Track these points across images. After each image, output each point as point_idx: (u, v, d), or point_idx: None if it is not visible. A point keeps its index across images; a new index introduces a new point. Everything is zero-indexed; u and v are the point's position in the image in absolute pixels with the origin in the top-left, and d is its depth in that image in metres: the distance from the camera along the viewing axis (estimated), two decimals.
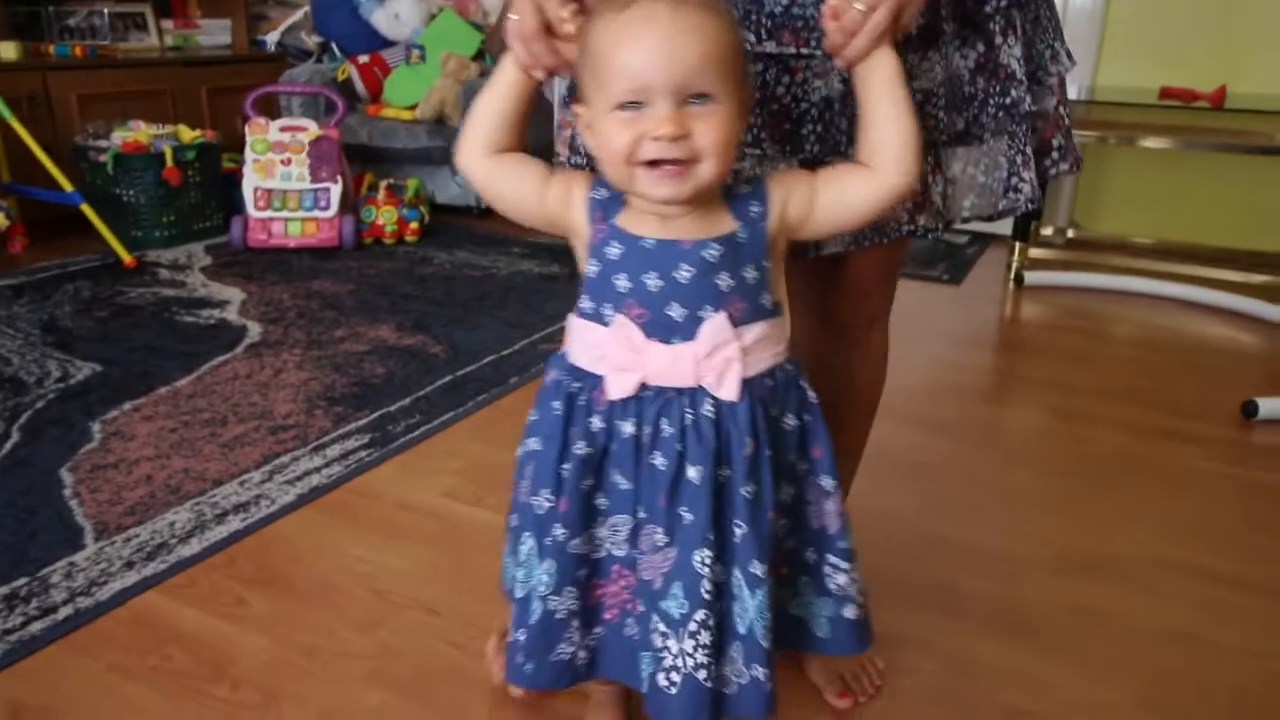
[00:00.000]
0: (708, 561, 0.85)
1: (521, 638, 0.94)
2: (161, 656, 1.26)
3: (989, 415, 2.05)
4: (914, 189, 0.86)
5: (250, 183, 3.03)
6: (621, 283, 0.84)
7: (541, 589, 0.92)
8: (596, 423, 0.89)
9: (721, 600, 0.88)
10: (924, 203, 0.98)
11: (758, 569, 0.86)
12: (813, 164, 0.94)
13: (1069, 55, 1.06)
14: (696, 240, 0.83)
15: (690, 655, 0.86)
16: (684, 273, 0.82)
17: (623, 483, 0.89)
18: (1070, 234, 3.25)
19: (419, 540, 1.53)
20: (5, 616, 1.31)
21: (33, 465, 1.72)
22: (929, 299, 2.81)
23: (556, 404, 0.91)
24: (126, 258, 2.84)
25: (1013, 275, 2.91)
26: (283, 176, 3.03)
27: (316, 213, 3.07)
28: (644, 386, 0.86)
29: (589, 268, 0.87)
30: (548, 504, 0.91)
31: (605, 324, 0.86)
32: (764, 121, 0.95)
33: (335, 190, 3.06)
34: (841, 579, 0.96)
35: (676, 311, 0.83)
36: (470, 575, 1.42)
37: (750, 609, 0.88)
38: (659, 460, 0.86)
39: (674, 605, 0.86)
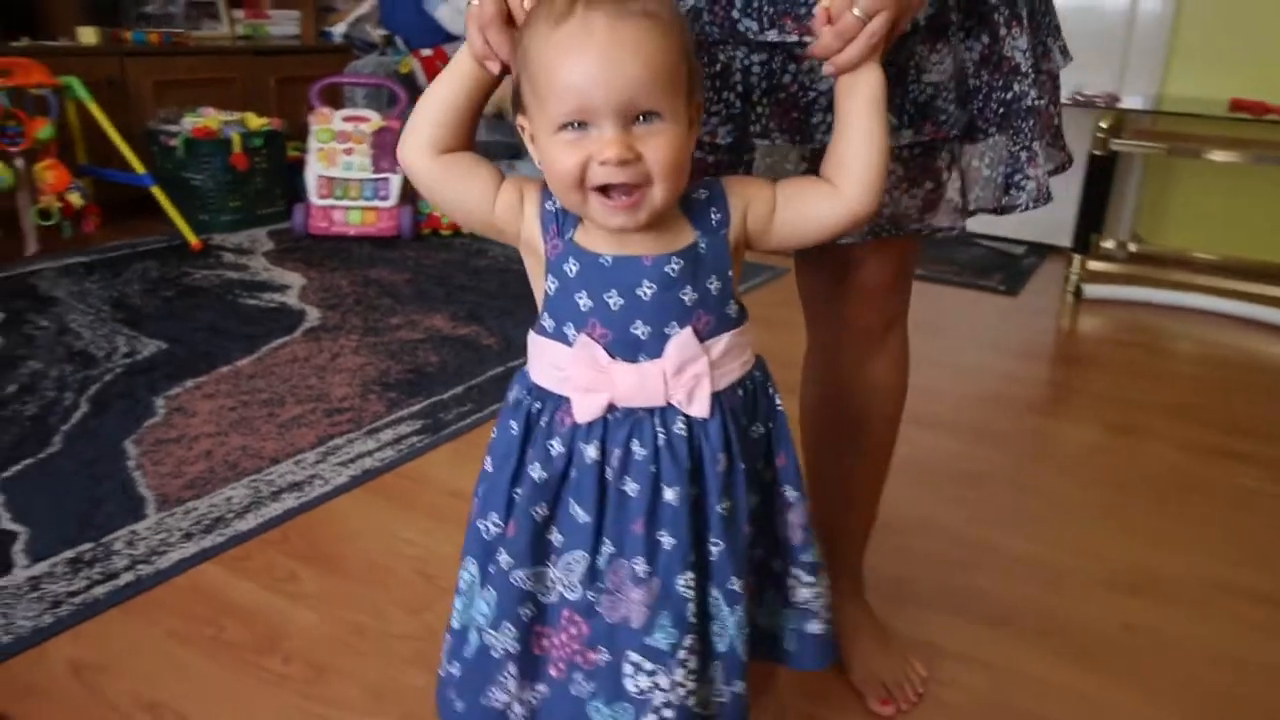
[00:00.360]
0: (691, 584, 0.79)
1: (455, 672, 0.87)
2: (216, 626, 1.29)
3: (1042, 427, 2.03)
4: (873, 214, 0.80)
5: (313, 171, 3.08)
6: (583, 301, 0.78)
7: (480, 620, 0.85)
8: (556, 446, 0.81)
9: (702, 623, 0.82)
10: (938, 200, 0.96)
11: (735, 585, 0.82)
12: (822, 154, 0.88)
13: (1064, 51, 1.04)
14: (657, 255, 0.77)
15: (681, 685, 0.81)
16: (646, 289, 0.77)
17: (581, 515, 0.81)
18: (1132, 247, 3.19)
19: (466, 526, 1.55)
20: (70, 579, 1.35)
21: (99, 436, 1.76)
22: (984, 309, 2.78)
23: (514, 424, 0.84)
24: (193, 240, 2.90)
25: (1071, 288, 2.86)
26: (345, 166, 3.08)
27: (376, 202, 3.11)
28: (611, 408, 0.80)
29: (547, 284, 0.81)
30: (495, 529, 0.84)
31: (568, 343, 0.80)
32: (772, 111, 0.91)
33: (395, 181, 3.10)
34: (806, 593, 0.91)
35: (641, 329, 0.78)
36: None
37: (730, 626, 0.83)
38: (630, 486, 0.80)
39: (662, 637, 0.80)
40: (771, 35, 0.86)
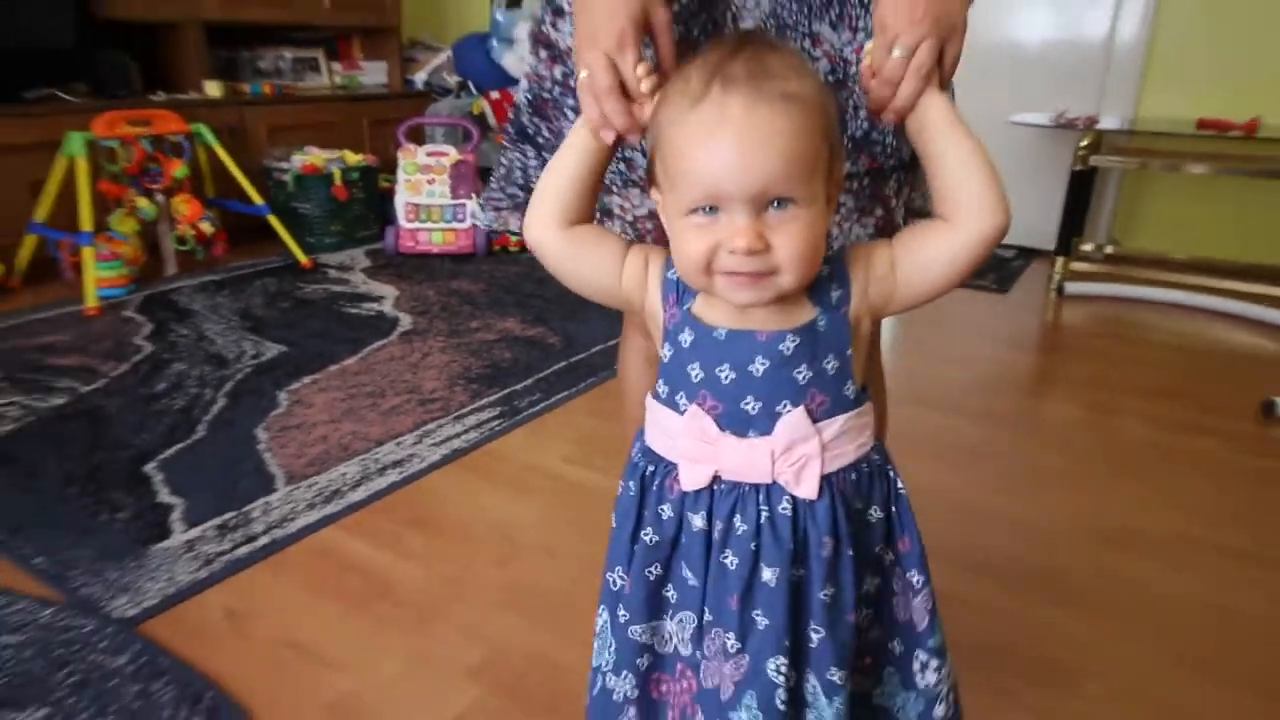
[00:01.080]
0: (783, 669, 0.68)
1: (589, 704, 0.80)
2: (338, 578, 1.32)
3: (1031, 407, 2.02)
4: (1006, 228, 0.65)
5: (401, 198, 3.12)
6: (694, 372, 0.68)
7: (605, 665, 0.78)
8: (667, 511, 0.72)
9: (796, 709, 0.71)
10: (891, 228, 0.88)
11: (836, 675, 0.70)
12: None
13: None
14: (772, 332, 0.66)
15: None
16: (759, 366, 0.66)
17: (691, 579, 0.72)
18: (1109, 250, 3.14)
19: (541, 495, 1.58)
20: (219, 541, 1.39)
21: (235, 424, 1.79)
22: (979, 305, 2.75)
23: (631, 485, 0.76)
24: (303, 259, 2.95)
25: (1054, 286, 2.83)
26: (428, 194, 3.11)
27: (455, 224, 3.14)
28: (717, 479, 0.70)
29: (664, 351, 0.72)
30: (620, 581, 0.76)
31: (680, 412, 0.70)
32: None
33: (470, 205, 3.13)
34: (931, 676, 0.77)
35: (752, 405, 0.68)
36: (583, 525, 1.45)
37: (827, 717, 0.71)
38: (730, 559, 0.69)
39: (746, 716, 0.70)
40: (848, 168, 0.79)
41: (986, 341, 2.40)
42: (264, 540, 1.40)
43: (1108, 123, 2.91)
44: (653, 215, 0.88)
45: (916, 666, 0.76)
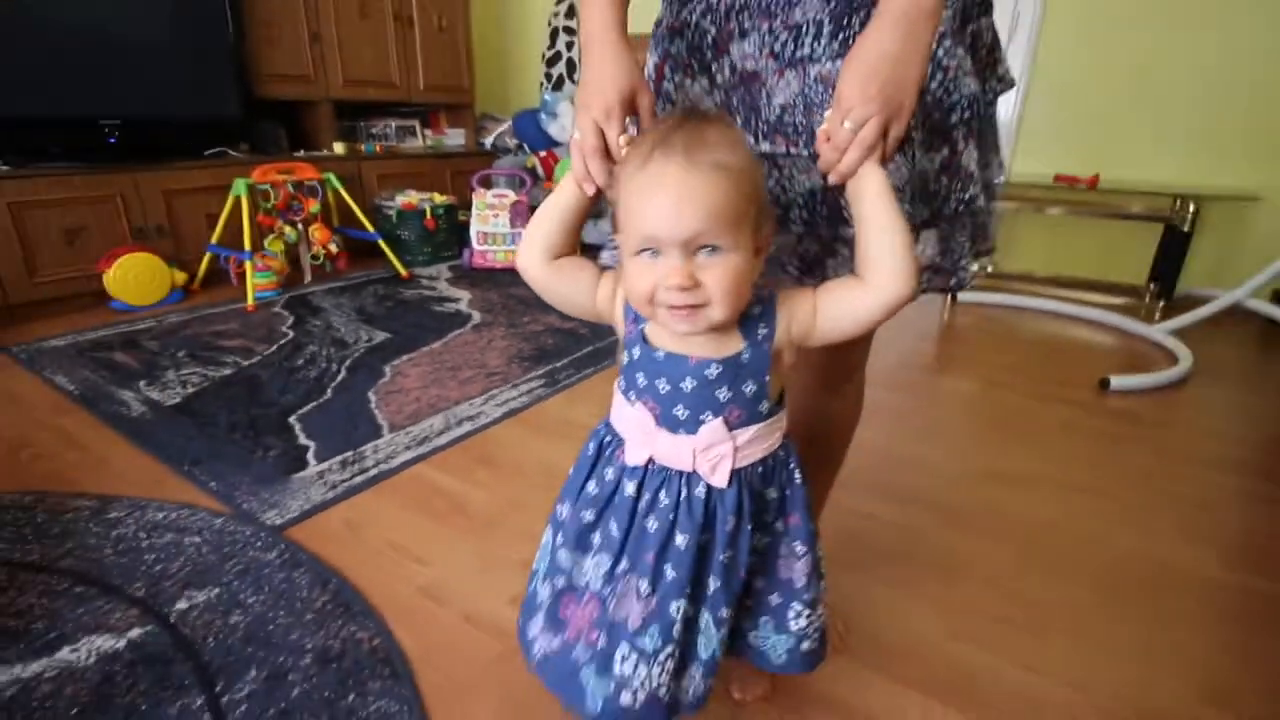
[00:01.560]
0: (682, 609, 0.67)
1: (527, 594, 0.79)
2: (427, 500, 1.32)
3: (934, 381, 2.00)
4: (912, 298, 0.60)
5: (474, 228, 3.10)
6: (640, 379, 0.66)
7: (539, 572, 0.77)
8: (610, 474, 0.70)
9: (690, 634, 0.69)
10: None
11: (724, 613, 0.69)
12: (797, 240, 0.73)
13: (1000, 165, 0.82)
14: (700, 359, 0.63)
15: (656, 679, 0.68)
16: (688, 384, 0.63)
17: (615, 530, 0.69)
18: (989, 270, 3.12)
19: (574, 441, 1.53)
20: (340, 472, 1.39)
21: (352, 390, 1.78)
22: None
23: (591, 445, 0.73)
24: (403, 272, 2.94)
25: (947, 295, 2.81)
26: (494, 224, 3.09)
27: (513, 246, 3.10)
28: (652, 461, 0.67)
29: (622, 356, 0.68)
30: (563, 514, 0.74)
31: (630, 404, 0.68)
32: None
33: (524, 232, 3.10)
34: (802, 621, 0.74)
35: (681, 412, 0.65)
36: None
37: (714, 641, 0.69)
38: (652, 523, 0.67)
39: (649, 641, 0.67)
40: (765, 147, 0.71)
41: (906, 333, 2.38)
42: (373, 472, 1.40)
43: None
44: None
45: (791, 615, 0.74)
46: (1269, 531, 1.28)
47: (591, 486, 0.71)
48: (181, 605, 1.02)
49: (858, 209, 0.60)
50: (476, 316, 2.44)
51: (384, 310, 2.48)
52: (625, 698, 0.67)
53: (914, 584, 1.12)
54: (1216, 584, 1.14)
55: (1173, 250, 2.52)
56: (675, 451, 0.66)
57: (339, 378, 1.86)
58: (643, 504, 0.67)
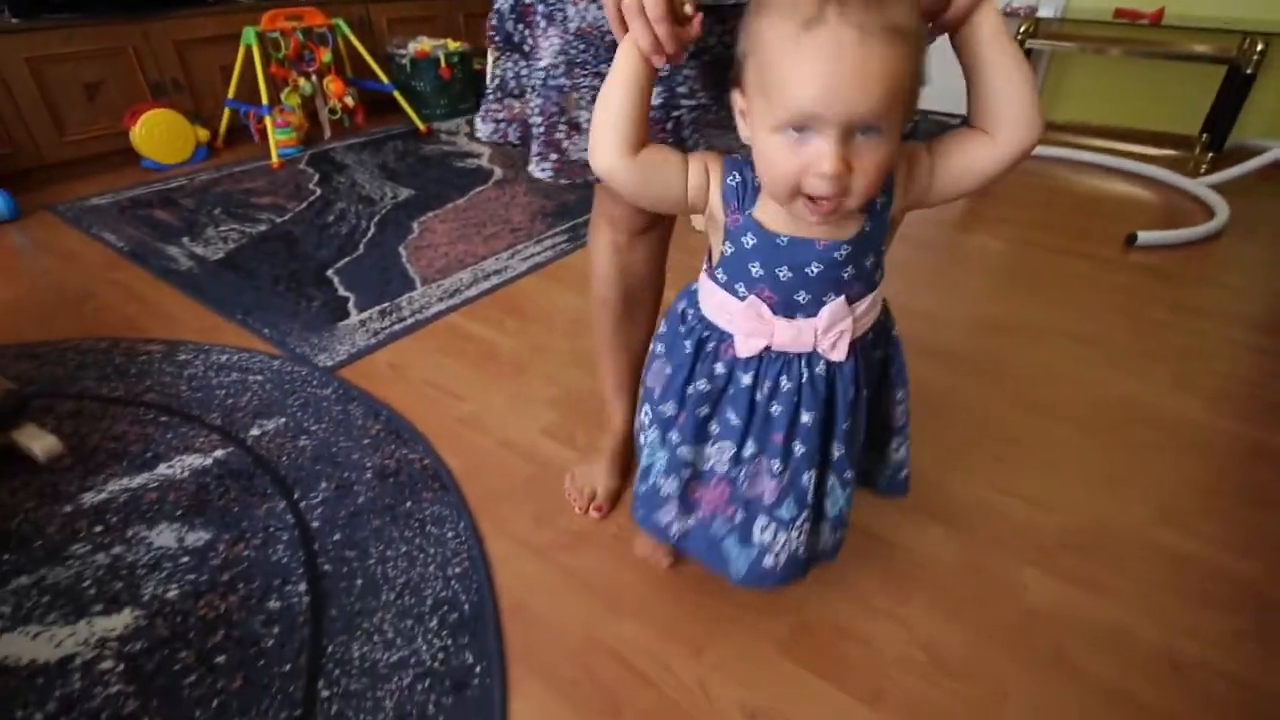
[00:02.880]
0: (813, 480, 0.69)
1: (640, 491, 0.77)
2: (461, 346, 1.41)
3: (960, 238, 1.98)
4: (1036, 143, 0.53)
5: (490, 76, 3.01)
6: (755, 269, 0.61)
7: (657, 467, 0.74)
8: (719, 369, 0.67)
9: (818, 495, 0.72)
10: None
11: (849, 474, 0.71)
12: None
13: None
14: (828, 241, 0.58)
15: (795, 541, 0.71)
16: (814, 268, 0.59)
17: (734, 419, 0.68)
18: None
19: None
20: (380, 321, 1.48)
21: (383, 245, 1.84)
22: None
23: (687, 344, 0.69)
24: (422, 127, 2.89)
25: None
26: None
27: None
28: (767, 349, 0.65)
29: (725, 247, 0.62)
30: (670, 413, 0.71)
31: (739, 298, 0.63)
32: (698, 73, 0.65)
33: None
34: (901, 452, 0.79)
35: (803, 296, 0.61)
36: None
37: (840, 500, 0.72)
38: (775, 409, 0.66)
39: (785, 512, 0.70)
40: None
41: None
42: (410, 321, 1.49)
43: (1044, 12, 2.67)
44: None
45: (893, 447, 0.78)
46: (1256, 381, 1.34)
47: (701, 384, 0.68)
48: (255, 431, 1.18)
49: (971, 55, 0.52)
50: (498, 172, 2.43)
51: (406, 167, 2.48)
52: (768, 561, 0.72)
53: (913, 423, 1.22)
54: (1194, 425, 1.22)
55: (1231, 96, 2.37)
56: (796, 337, 0.63)
57: (369, 234, 1.91)
58: (762, 393, 0.66)
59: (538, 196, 2.21)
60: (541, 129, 0.74)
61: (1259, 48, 2.27)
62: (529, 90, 0.74)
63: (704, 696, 0.79)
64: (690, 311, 0.70)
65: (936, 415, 1.24)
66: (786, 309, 0.62)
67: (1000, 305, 1.60)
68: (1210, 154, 2.46)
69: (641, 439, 0.78)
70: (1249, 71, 2.30)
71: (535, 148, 0.75)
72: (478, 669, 0.81)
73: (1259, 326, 1.53)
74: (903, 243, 1.89)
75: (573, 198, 2.19)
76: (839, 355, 0.64)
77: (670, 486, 0.74)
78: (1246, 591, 0.92)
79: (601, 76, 0.67)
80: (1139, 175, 2.41)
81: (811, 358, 0.65)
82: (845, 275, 0.61)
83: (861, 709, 0.78)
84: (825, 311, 0.62)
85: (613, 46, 0.62)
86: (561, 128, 0.72)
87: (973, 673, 0.82)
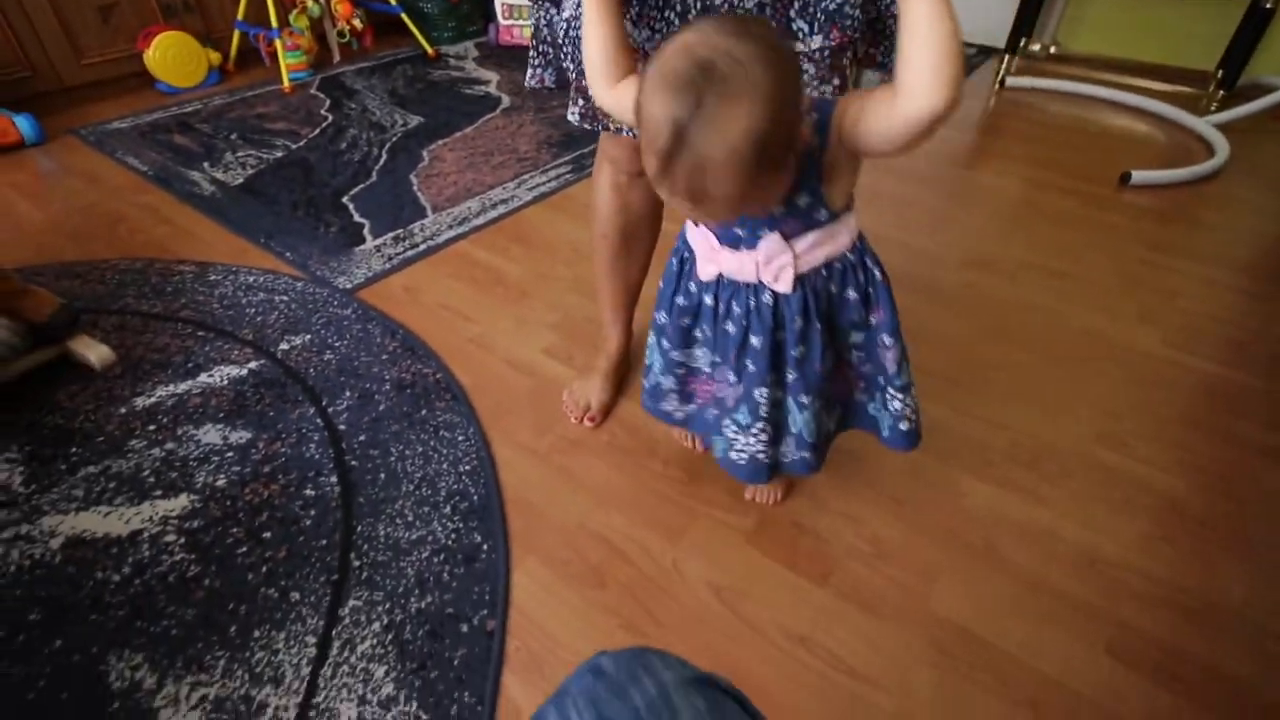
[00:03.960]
0: (764, 395, 0.75)
1: (646, 384, 0.90)
2: (470, 272, 1.49)
3: (960, 175, 2.00)
4: (945, 113, 0.49)
5: (499, 1, 2.97)
6: None
7: (656, 367, 0.86)
8: (693, 286, 0.76)
9: (779, 412, 0.78)
10: (845, 91, 0.73)
11: (805, 399, 0.75)
12: None
13: None
14: None
15: (752, 444, 0.79)
16: None
17: (707, 331, 0.78)
18: (1052, 50, 2.92)
19: None
20: (394, 246, 1.57)
21: (395, 173, 1.89)
22: None
23: (674, 261, 0.78)
24: (430, 50, 2.88)
25: (998, 79, 2.68)
26: None
27: None
28: (721, 275, 0.72)
29: None
30: (662, 321, 0.82)
31: (695, 225, 0.72)
32: (750, 15, 0.67)
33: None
34: (897, 404, 0.80)
35: (739, 230, 0.67)
36: None
37: (799, 421, 0.77)
38: (729, 327, 0.74)
39: (741, 417, 0.78)
40: None
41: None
42: (423, 247, 1.56)
43: None
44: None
45: (889, 396, 0.80)
46: (1225, 319, 1.42)
47: (680, 299, 0.77)
48: (284, 346, 1.30)
49: (905, 8, 0.50)
50: (506, 100, 2.44)
51: (415, 93, 2.50)
52: (734, 454, 0.82)
53: None
54: (1149, 357, 1.32)
55: (1248, 31, 2.33)
56: (739, 266, 0.69)
57: (381, 161, 1.96)
58: (720, 311, 0.74)
59: (544, 126, 2.24)
60: (572, 75, 0.80)
61: None
62: (561, 38, 0.79)
63: (677, 574, 0.93)
64: (680, 237, 0.78)
65: (915, 345, 1.33)
66: (730, 239, 0.68)
67: (989, 242, 1.66)
68: (1222, 91, 2.44)
69: (649, 339, 0.88)
70: (1268, 6, 2.26)
71: (571, 93, 0.83)
72: (485, 546, 0.95)
73: (1241, 268, 1.59)
74: (908, 179, 1.93)
75: (578, 128, 2.22)
76: (783, 287, 0.69)
77: (668, 382, 0.86)
78: (1168, 503, 1.04)
79: (632, 22, 0.71)
80: (1147, 112, 2.40)
81: (758, 288, 0.71)
82: (776, 213, 0.64)
83: (811, 587, 0.92)
84: (762, 244, 0.67)
85: None
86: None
87: (909, 560, 0.95)
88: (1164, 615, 0.89)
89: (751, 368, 0.74)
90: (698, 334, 0.79)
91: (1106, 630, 0.87)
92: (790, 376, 0.74)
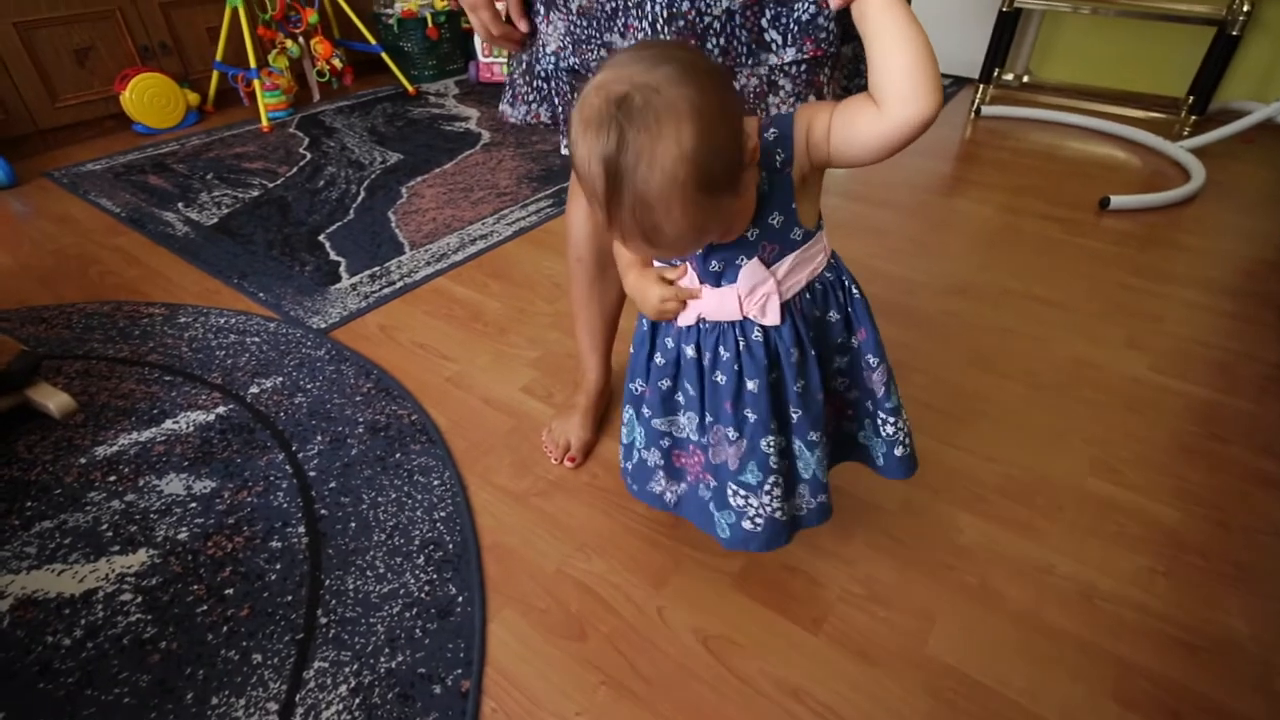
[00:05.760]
0: (772, 444, 0.69)
1: (629, 468, 0.83)
2: (448, 308, 1.47)
3: (939, 202, 2.02)
4: (928, 119, 0.51)
5: (479, 38, 3.00)
6: None
7: (639, 443, 0.79)
8: (669, 341, 0.71)
9: (787, 460, 0.72)
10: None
11: (814, 436, 0.70)
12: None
13: None
14: None
15: (767, 504, 0.72)
16: None
17: (691, 390, 0.71)
18: (1025, 79, 2.98)
19: None
20: (370, 284, 1.55)
21: (373, 210, 1.89)
22: None
23: (644, 321, 0.73)
24: (410, 88, 2.90)
25: (974, 109, 2.73)
26: None
27: None
28: (702, 319, 0.67)
29: None
30: (639, 389, 0.76)
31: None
32: (671, 38, 0.65)
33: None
34: (889, 429, 0.77)
35: (715, 264, 0.63)
36: None
37: (811, 463, 0.72)
38: (720, 378, 0.68)
39: (750, 477, 0.71)
40: None
41: (913, 151, 2.33)
42: (399, 285, 1.55)
43: None
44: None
45: (880, 422, 0.77)
46: (1208, 342, 1.42)
47: (658, 359, 0.72)
48: (254, 389, 1.26)
49: (863, 25, 0.52)
50: (485, 136, 2.45)
51: (395, 130, 2.50)
52: (746, 524, 0.74)
53: None
54: (1138, 383, 1.30)
55: (1216, 58, 2.39)
56: (721, 304, 0.64)
57: (359, 199, 1.96)
58: (706, 362, 0.68)
59: (525, 161, 2.25)
60: (561, 109, 0.80)
61: (1245, 8, 2.28)
62: (549, 74, 0.79)
63: (662, 623, 0.89)
64: None
65: (898, 371, 1.31)
66: (709, 277, 0.65)
67: (970, 269, 1.66)
68: (1193, 116, 2.49)
69: (625, 416, 0.83)
70: (1234, 33, 2.32)
71: (562, 126, 0.81)
72: (460, 598, 0.91)
73: (1220, 290, 1.60)
74: (887, 208, 1.94)
75: (558, 162, 2.23)
76: (770, 319, 0.65)
77: (654, 458, 0.79)
78: (1164, 535, 1.02)
79: (607, 46, 0.70)
80: (1122, 138, 2.44)
81: (745, 325, 0.66)
82: (750, 236, 0.61)
83: (803, 634, 0.88)
84: (743, 274, 0.63)
85: (613, 14, 0.67)
86: None
87: (904, 602, 0.92)
88: (1166, 653, 0.86)
89: (752, 417, 0.69)
90: (679, 398, 0.74)
91: (1108, 671, 0.84)
92: (795, 416, 0.70)
